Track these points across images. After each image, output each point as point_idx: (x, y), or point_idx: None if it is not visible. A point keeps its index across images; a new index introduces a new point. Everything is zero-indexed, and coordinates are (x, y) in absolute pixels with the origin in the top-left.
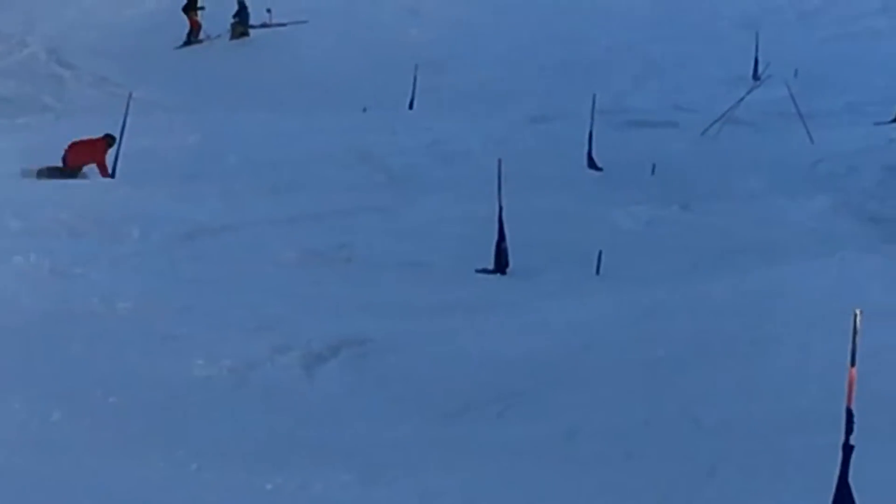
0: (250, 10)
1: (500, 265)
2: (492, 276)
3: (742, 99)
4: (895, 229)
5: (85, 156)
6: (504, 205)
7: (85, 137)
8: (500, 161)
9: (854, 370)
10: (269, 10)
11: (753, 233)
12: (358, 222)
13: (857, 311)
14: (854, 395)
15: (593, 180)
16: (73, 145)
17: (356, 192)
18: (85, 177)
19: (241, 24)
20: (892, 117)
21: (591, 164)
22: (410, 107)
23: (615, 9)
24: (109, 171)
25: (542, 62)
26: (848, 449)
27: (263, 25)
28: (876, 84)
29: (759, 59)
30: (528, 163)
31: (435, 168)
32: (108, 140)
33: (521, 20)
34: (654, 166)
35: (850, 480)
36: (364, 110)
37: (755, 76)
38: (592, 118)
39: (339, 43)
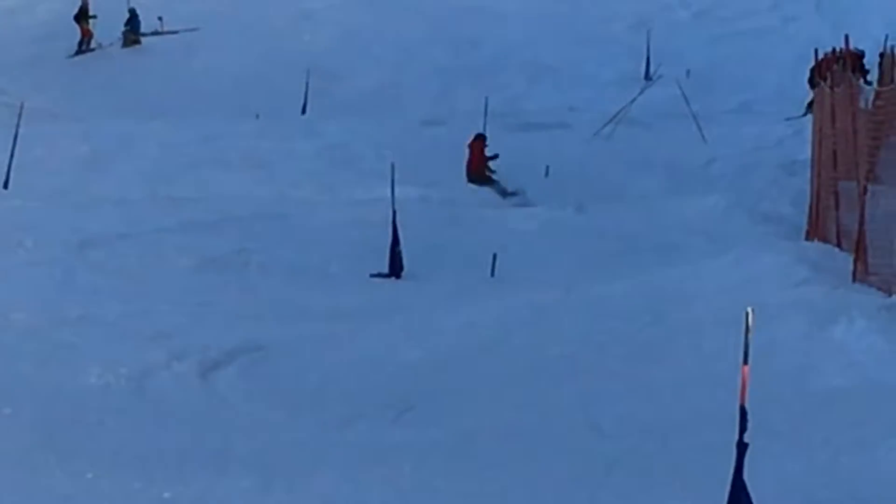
0: (141, 17)
1: (395, 269)
2: (387, 281)
3: (634, 99)
4: (788, 227)
5: (474, 161)
6: (397, 208)
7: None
8: (392, 165)
9: (747, 368)
10: (160, 18)
11: (648, 233)
12: (253, 229)
13: (749, 310)
14: (747, 392)
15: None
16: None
17: (250, 199)
18: None
19: (132, 32)
20: (802, 112)
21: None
22: (303, 112)
23: (505, 11)
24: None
25: (434, 66)
26: (742, 446)
27: (155, 33)
28: (768, 82)
29: (651, 59)
30: (421, 166)
31: (328, 173)
32: (480, 139)
33: (412, 24)
34: (547, 168)
35: (745, 477)
36: (257, 117)
37: (647, 76)
38: (485, 121)
39: (231, 49)
